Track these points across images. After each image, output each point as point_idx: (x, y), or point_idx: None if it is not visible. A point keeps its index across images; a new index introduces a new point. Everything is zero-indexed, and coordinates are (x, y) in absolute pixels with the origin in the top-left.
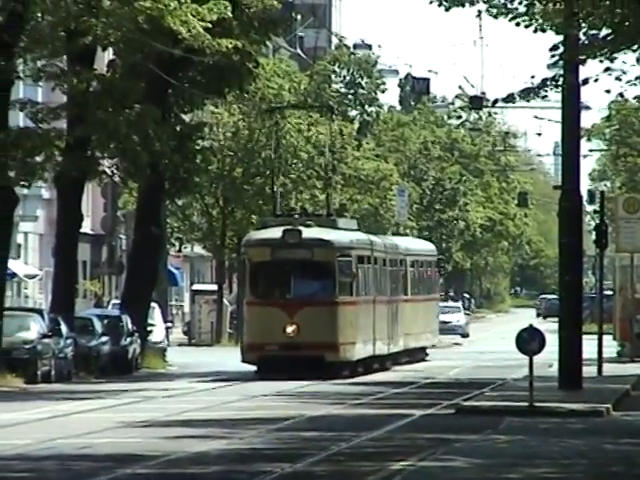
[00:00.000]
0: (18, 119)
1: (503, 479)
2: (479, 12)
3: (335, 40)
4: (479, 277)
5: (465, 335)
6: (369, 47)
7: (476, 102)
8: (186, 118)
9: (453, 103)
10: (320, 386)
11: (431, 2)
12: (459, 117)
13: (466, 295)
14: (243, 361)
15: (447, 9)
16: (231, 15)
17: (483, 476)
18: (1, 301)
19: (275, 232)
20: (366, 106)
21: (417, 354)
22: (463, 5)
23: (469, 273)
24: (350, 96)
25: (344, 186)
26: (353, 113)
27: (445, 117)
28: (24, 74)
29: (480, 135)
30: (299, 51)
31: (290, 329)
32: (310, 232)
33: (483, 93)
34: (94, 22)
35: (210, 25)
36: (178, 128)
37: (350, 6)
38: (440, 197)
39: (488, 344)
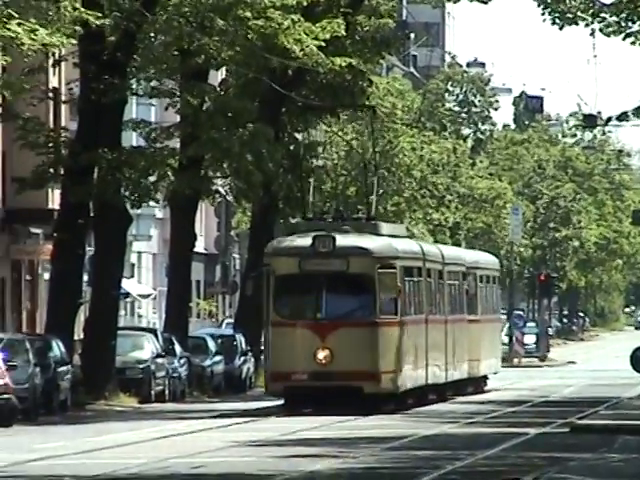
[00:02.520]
0: (131, 139)
1: None
2: (592, 31)
3: (448, 58)
4: (593, 295)
5: (541, 358)
6: (482, 65)
7: (590, 120)
8: (299, 137)
9: (567, 121)
10: (436, 405)
11: (544, 20)
12: (573, 135)
13: (580, 314)
14: (267, 393)
15: (561, 27)
16: (345, 34)
17: None
18: (115, 321)
19: (304, 239)
20: (479, 124)
21: (480, 383)
22: (577, 23)
23: (583, 292)
24: (463, 114)
25: (458, 205)
26: (466, 131)
27: (559, 135)
28: (137, 93)
29: (594, 153)
30: (412, 69)
31: (322, 355)
32: (346, 239)
33: (599, 112)
34: (207, 41)
35: (324, 44)
36: (291, 147)
37: (463, 24)
38: (554, 215)
39: (602, 362)
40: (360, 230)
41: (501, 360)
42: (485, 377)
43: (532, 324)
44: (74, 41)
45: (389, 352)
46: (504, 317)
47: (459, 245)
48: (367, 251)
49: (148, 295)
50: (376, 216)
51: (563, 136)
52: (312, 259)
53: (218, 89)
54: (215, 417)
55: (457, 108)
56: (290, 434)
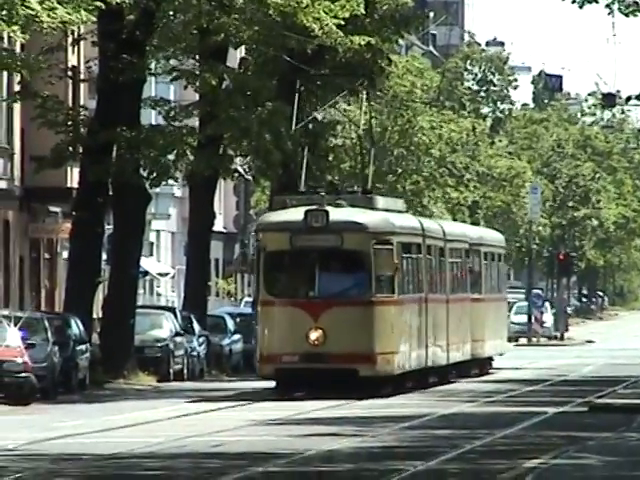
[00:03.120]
0: (150, 117)
1: (635, 477)
2: (611, 10)
3: (467, 37)
4: (612, 275)
5: (555, 337)
6: (501, 44)
7: (609, 99)
8: (318, 116)
9: (586, 100)
10: (454, 385)
11: None
12: (593, 114)
13: (599, 293)
14: (259, 375)
15: (580, 6)
16: (364, 12)
17: (615, 474)
18: (134, 299)
19: (296, 213)
20: (498, 103)
21: (485, 364)
22: (597, 2)
23: (602, 271)
24: (482, 93)
25: (477, 184)
26: (485, 110)
27: (578, 114)
28: (156, 72)
29: (613, 132)
30: (431, 48)
31: (314, 335)
32: (340, 213)
33: (618, 91)
34: (226, 20)
35: (343, 22)
36: (310, 126)
37: (483, 3)
38: (573, 195)
39: (621, 342)
40: (355, 204)
41: (520, 339)
42: (490, 358)
43: (547, 304)
44: (93, 19)
45: (385, 333)
46: (523, 296)
47: (478, 224)
48: (362, 226)
49: (167, 274)
50: (372, 190)
51: (582, 115)
52: (304, 234)
53: (237, 68)
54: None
55: (476, 87)
56: (308, 413)
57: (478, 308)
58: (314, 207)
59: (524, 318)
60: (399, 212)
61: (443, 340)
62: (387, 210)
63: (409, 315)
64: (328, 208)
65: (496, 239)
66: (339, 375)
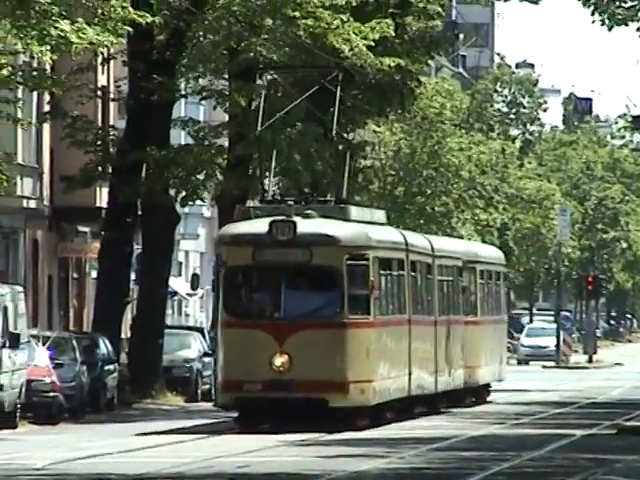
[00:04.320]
0: (180, 137)
1: None
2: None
3: (497, 59)
4: None
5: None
6: (531, 66)
7: (639, 122)
8: (349, 137)
9: (616, 123)
10: (481, 407)
11: (593, 22)
12: (622, 137)
13: (628, 315)
14: (216, 405)
15: (610, 29)
16: (394, 34)
17: None
18: (162, 319)
19: (260, 225)
20: (528, 125)
21: (482, 392)
22: (627, 24)
23: (631, 293)
24: (512, 115)
25: (506, 205)
26: (515, 132)
27: (608, 137)
28: (186, 92)
29: None
30: (461, 70)
31: (279, 361)
32: (309, 225)
33: None
34: (256, 41)
35: (372, 44)
36: (340, 147)
37: (513, 25)
38: (602, 217)
39: None
40: (327, 215)
41: (553, 361)
42: (488, 386)
43: (552, 326)
44: (123, 40)
45: (359, 358)
46: (551, 318)
47: (507, 246)
48: (333, 239)
49: (195, 294)
50: (347, 199)
51: (612, 137)
52: (268, 248)
53: (267, 88)
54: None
55: (506, 109)
56: (336, 434)
57: (473, 331)
58: (280, 218)
59: (535, 341)
60: (379, 224)
61: (431, 366)
62: (364, 222)
63: (388, 339)
64: (296, 219)
65: (494, 256)
66: (307, 405)
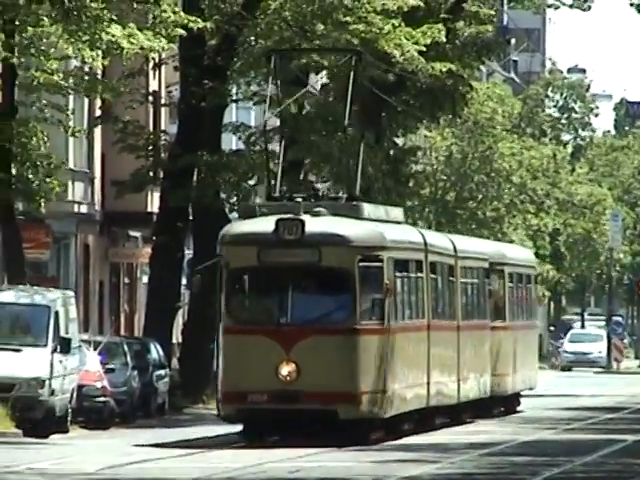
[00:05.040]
0: (231, 142)
1: None
2: None
3: (549, 64)
4: None
5: (606, 368)
6: (583, 71)
7: None
8: (399, 142)
9: None
10: (532, 411)
11: None
12: None
13: None
14: (219, 416)
15: None
16: (445, 39)
17: None
18: (213, 324)
19: (265, 224)
20: (579, 130)
21: (513, 401)
22: None
23: None
24: (563, 120)
25: (558, 211)
26: (566, 137)
27: None
28: (237, 97)
29: None
30: (513, 75)
31: (286, 370)
32: (318, 224)
33: None
34: (307, 46)
35: (424, 49)
36: (391, 152)
37: (564, 31)
38: None
39: None
40: (338, 213)
41: (598, 367)
42: (518, 395)
43: (597, 332)
44: (174, 45)
45: (372, 367)
46: (603, 323)
47: (559, 251)
48: (344, 239)
49: None
50: (360, 196)
51: None
52: (274, 249)
53: (318, 94)
54: None
55: (557, 114)
56: (390, 439)
57: (500, 337)
58: (287, 216)
59: (579, 347)
60: (395, 223)
61: (453, 375)
62: (378, 221)
63: (405, 346)
64: (304, 217)
65: (524, 258)
66: (316, 417)
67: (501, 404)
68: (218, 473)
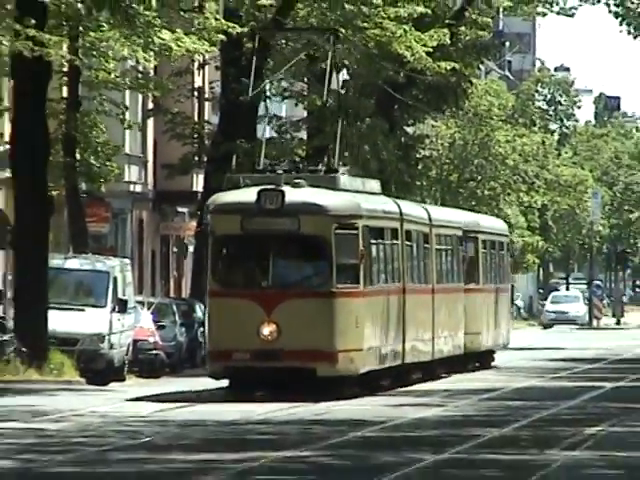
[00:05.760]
0: (265, 131)
1: None
2: None
3: (538, 64)
4: None
5: (584, 326)
6: (568, 70)
7: None
8: (410, 130)
9: None
10: (526, 362)
11: (621, 31)
12: None
13: None
14: (208, 374)
15: (635, 37)
16: (449, 42)
17: None
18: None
19: (248, 194)
20: (565, 120)
21: (487, 357)
22: None
23: None
24: (551, 112)
25: (546, 189)
26: (553, 127)
27: (634, 130)
28: (270, 93)
29: None
30: (507, 73)
31: (267, 330)
32: (297, 194)
33: None
34: (330, 48)
35: (431, 50)
36: (403, 139)
37: (551, 34)
38: (628, 199)
39: None
40: (317, 184)
41: (575, 325)
42: (492, 352)
43: (574, 293)
44: (216, 48)
45: (348, 327)
46: (585, 286)
47: (547, 225)
48: (321, 208)
49: None
50: (338, 168)
51: (637, 130)
52: (256, 217)
53: (340, 89)
54: None
55: (545, 106)
56: (402, 386)
57: (474, 299)
58: (269, 187)
59: (559, 307)
60: (372, 194)
61: (427, 334)
62: (355, 191)
63: (380, 307)
64: (284, 188)
65: (497, 227)
66: (295, 374)
67: (475, 359)
68: (255, 415)
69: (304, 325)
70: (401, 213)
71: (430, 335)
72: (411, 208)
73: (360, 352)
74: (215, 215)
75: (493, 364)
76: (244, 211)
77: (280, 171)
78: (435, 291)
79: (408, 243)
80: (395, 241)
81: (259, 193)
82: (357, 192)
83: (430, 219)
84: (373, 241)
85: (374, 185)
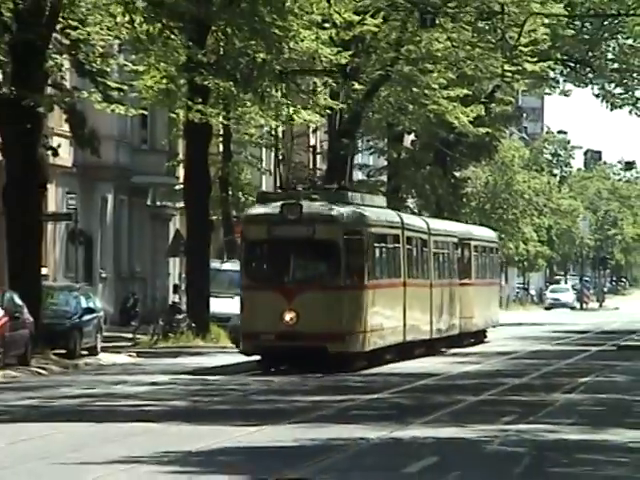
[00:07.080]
0: (358, 175)
1: None
2: (630, 111)
3: (545, 128)
4: (631, 269)
5: (573, 308)
6: (565, 132)
7: (628, 165)
8: (457, 174)
9: (616, 166)
10: (533, 332)
11: (601, 105)
12: (618, 174)
13: (622, 280)
14: (240, 352)
15: (611, 110)
16: (484, 113)
17: (633, 385)
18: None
19: (274, 207)
20: (563, 167)
21: (480, 335)
22: (621, 107)
23: (625, 266)
24: (554, 162)
25: (551, 215)
26: (556, 171)
27: (611, 174)
28: (361, 148)
29: (632, 184)
30: (524, 135)
31: (288, 316)
32: (312, 207)
33: (634, 160)
34: (403, 118)
35: (472, 119)
36: (452, 180)
37: (556, 110)
38: (608, 221)
39: (636, 309)
40: (330, 199)
41: (568, 308)
42: (484, 331)
43: (565, 286)
44: (324, 119)
45: (354, 313)
46: (577, 281)
47: (551, 239)
48: (332, 218)
49: None
50: (349, 186)
51: (613, 174)
52: (280, 226)
53: (410, 146)
54: None
55: (550, 158)
56: (454, 349)
57: (467, 291)
58: (290, 201)
59: (556, 295)
60: (378, 207)
61: (426, 318)
62: (363, 205)
63: (383, 298)
64: (302, 202)
65: (487, 236)
66: (311, 352)
67: (470, 337)
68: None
69: (318, 312)
70: (402, 223)
71: (428, 318)
72: (412, 219)
73: (365, 333)
74: (248, 225)
75: (486, 340)
76: (270, 221)
77: (299, 189)
78: (433, 285)
79: (408, 247)
80: (397, 245)
81: (282, 206)
82: (364, 205)
83: (429, 228)
84: (377, 245)
85: (381, 201)
